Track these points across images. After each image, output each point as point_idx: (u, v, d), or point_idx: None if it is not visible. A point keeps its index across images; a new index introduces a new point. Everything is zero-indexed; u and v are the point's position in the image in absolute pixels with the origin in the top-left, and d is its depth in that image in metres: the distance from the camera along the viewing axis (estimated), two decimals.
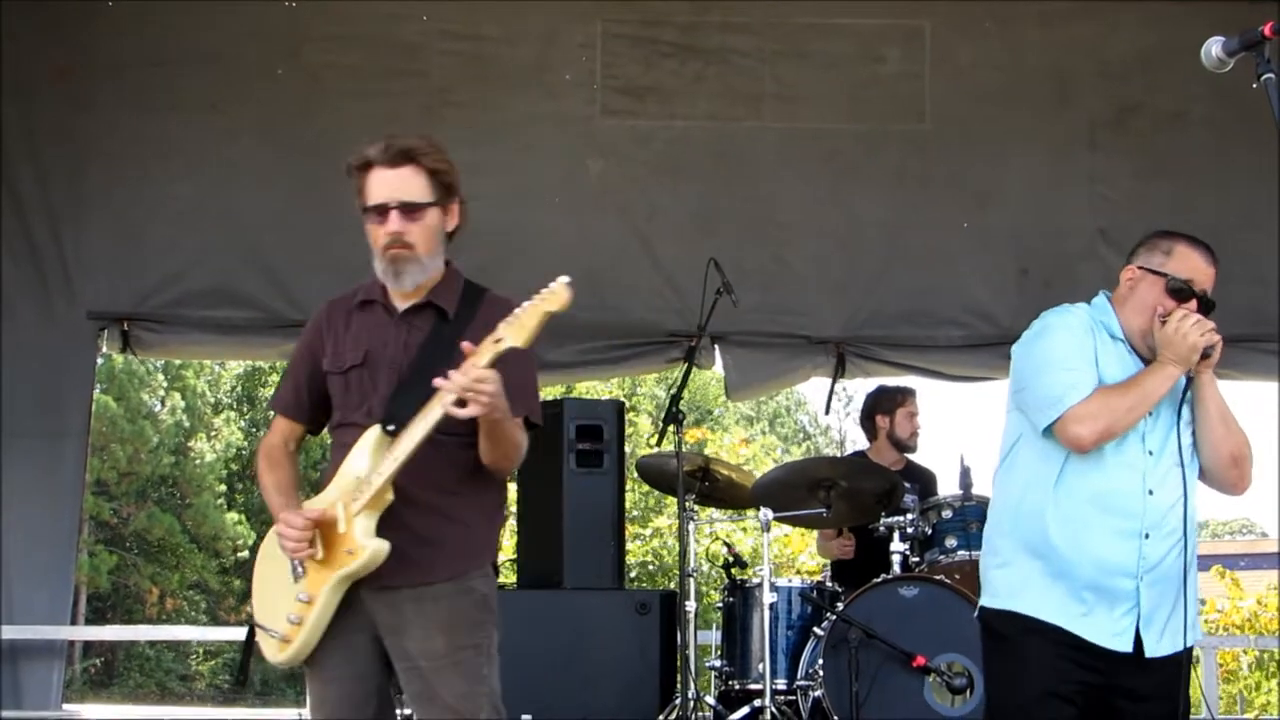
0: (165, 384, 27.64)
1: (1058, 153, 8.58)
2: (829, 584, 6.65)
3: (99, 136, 8.24)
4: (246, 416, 30.77)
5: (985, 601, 4.22)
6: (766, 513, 6.41)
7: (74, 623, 10.35)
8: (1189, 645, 4.13)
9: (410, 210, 3.96)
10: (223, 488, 29.08)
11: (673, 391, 6.70)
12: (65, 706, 8.29)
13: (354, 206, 8.39)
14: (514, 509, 8.98)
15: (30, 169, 8.18)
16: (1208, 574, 18.49)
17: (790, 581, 6.73)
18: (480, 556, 4.01)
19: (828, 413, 8.67)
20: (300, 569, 3.90)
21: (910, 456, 7.68)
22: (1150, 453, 4.07)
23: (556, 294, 3.73)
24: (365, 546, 3.80)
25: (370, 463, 3.85)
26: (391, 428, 3.85)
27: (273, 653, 3.99)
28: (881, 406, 7.72)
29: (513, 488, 11.79)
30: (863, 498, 6.75)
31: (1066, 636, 4.02)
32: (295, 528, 3.85)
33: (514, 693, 6.38)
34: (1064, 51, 8.55)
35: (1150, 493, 4.04)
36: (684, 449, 6.69)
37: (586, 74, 8.40)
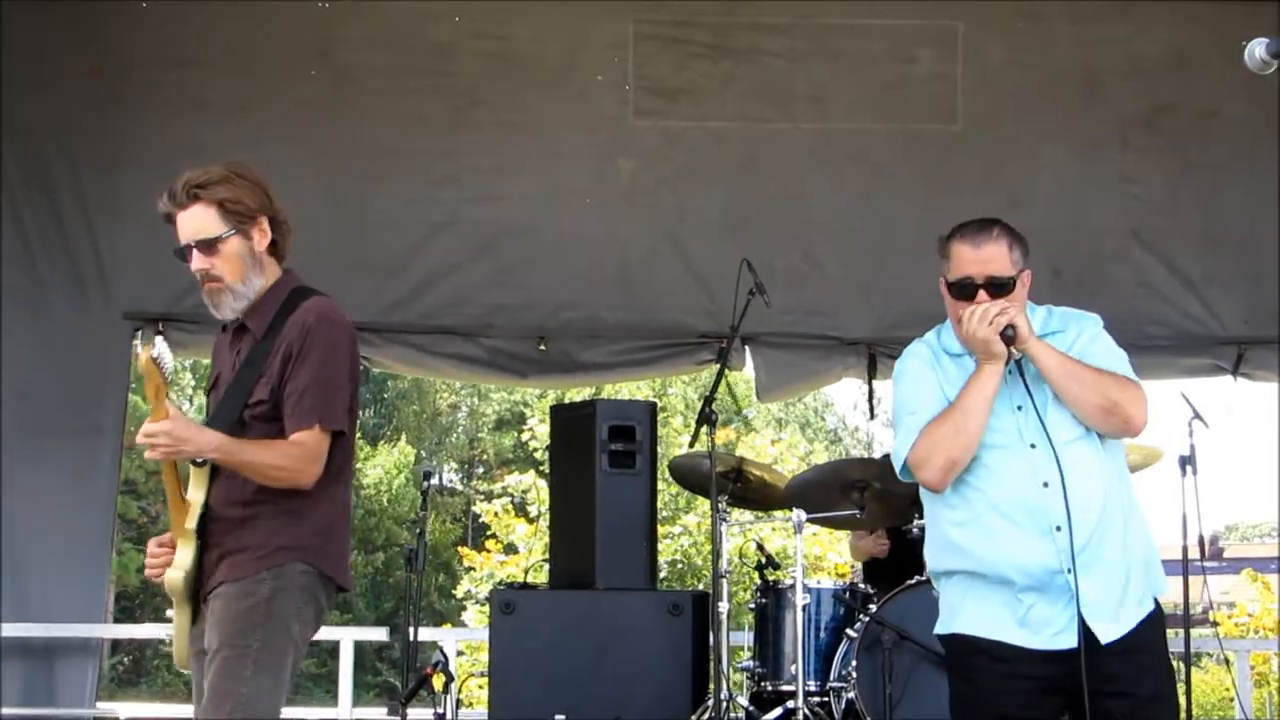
0: (193, 383, 27.71)
1: (1089, 153, 8.55)
2: (862, 585, 6.66)
3: (132, 136, 8.28)
4: None
5: (935, 628, 4.18)
6: (800, 514, 6.42)
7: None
8: (1147, 615, 3.98)
9: (206, 246, 4.13)
10: None
11: (706, 393, 6.69)
12: (98, 705, 8.32)
13: (385, 207, 8.47)
14: (546, 510, 9.01)
15: (65, 168, 8.25)
16: (1239, 577, 18.45)
17: (822, 583, 6.74)
18: (273, 558, 4.11)
19: (873, 417, 8.62)
20: None
21: None
22: (1032, 446, 3.95)
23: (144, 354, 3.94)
24: (173, 569, 4.09)
25: (195, 492, 4.11)
26: (200, 460, 4.08)
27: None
28: None
29: (545, 489, 11.76)
30: (896, 499, 6.73)
31: (1009, 650, 3.93)
32: (157, 545, 4.16)
33: (547, 693, 6.47)
34: (1095, 51, 8.53)
35: (1045, 485, 3.90)
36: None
37: (619, 75, 8.42)
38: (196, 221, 4.13)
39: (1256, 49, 3.50)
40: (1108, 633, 3.89)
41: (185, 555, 4.08)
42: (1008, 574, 3.93)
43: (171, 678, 25.98)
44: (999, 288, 4.02)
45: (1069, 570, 3.86)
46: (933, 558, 4.19)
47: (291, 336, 4.10)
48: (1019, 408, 3.99)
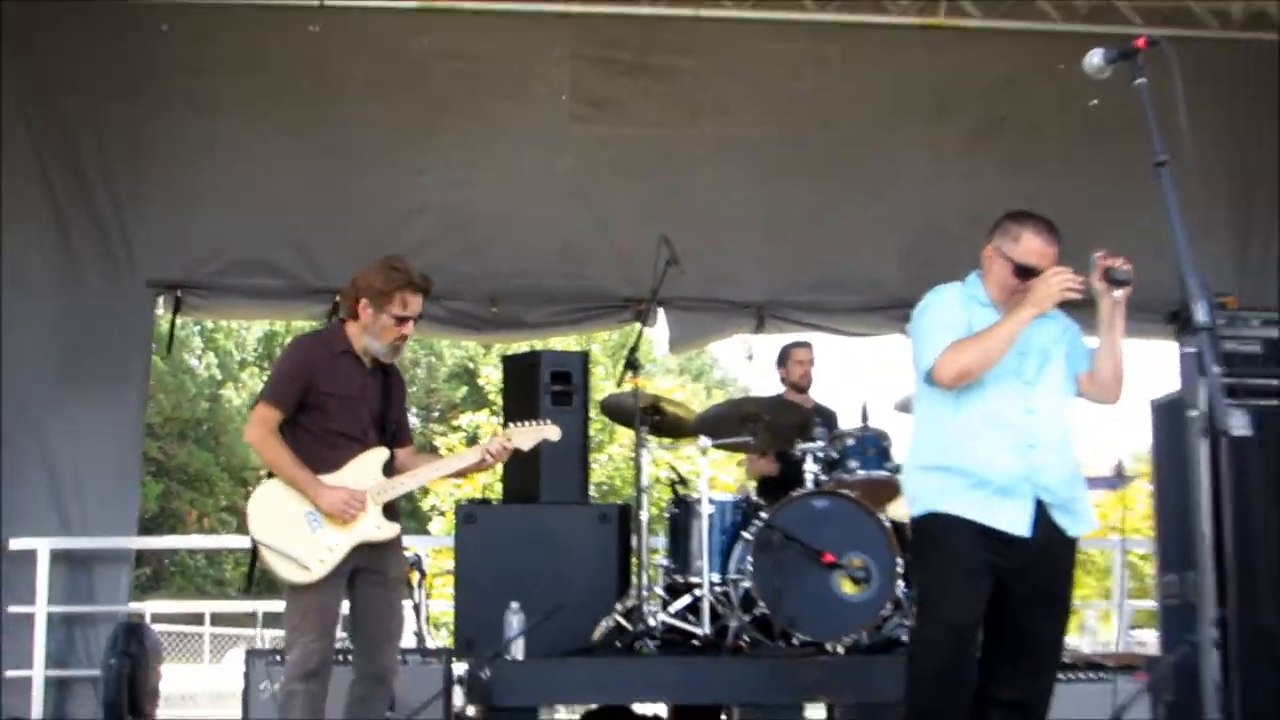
0: (201, 344, 27.44)
1: (939, 155, 8.69)
2: (755, 498, 6.78)
3: (154, 131, 8.22)
4: (266, 371, 30.46)
5: (914, 510, 4.39)
6: (706, 440, 6.51)
7: None
8: (1071, 537, 4.29)
9: (415, 323, 4.90)
10: None
11: (630, 345, 6.76)
12: (130, 605, 8.35)
13: (369, 194, 8.38)
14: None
15: (97, 160, 8.18)
16: None
17: (724, 496, 6.83)
18: None
19: (750, 359, 8.84)
20: (318, 522, 4.67)
21: (816, 398, 7.78)
22: (1027, 382, 4.27)
23: (553, 431, 5.08)
24: (394, 527, 4.83)
25: (380, 472, 4.80)
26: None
27: (293, 573, 4.66)
28: (779, 359, 7.86)
29: (498, 425, 11.77)
30: (783, 429, 6.82)
31: (979, 528, 4.19)
32: (360, 500, 4.71)
33: (502, 585, 6.51)
34: (945, 72, 8.65)
35: (1030, 411, 4.23)
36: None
37: (559, 87, 8.44)
38: (422, 305, 4.87)
39: (1094, 57, 3.60)
40: (1070, 526, 4.24)
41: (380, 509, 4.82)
42: (987, 473, 4.19)
43: (184, 583, 25.84)
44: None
45: (1033, 480, 4.19)
46: (920, 452, 4.41)
47: (402, 381, 5.04)
48: (1022, 353, 4.25)
